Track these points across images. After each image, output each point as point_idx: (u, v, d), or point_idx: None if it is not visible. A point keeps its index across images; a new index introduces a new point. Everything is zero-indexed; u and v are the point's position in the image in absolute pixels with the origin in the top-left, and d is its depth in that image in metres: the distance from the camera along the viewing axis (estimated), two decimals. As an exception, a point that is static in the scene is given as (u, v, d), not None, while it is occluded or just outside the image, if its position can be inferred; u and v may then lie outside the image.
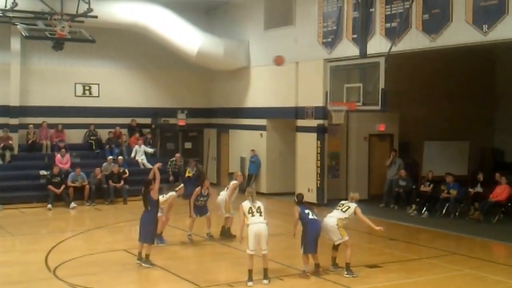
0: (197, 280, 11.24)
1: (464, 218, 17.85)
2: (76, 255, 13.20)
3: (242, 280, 11.19)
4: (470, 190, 18.60)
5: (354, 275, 11.61)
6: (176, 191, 14.27)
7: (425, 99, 22.19)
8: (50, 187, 19.78)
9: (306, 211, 11.71)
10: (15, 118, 22.25)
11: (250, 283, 10.96)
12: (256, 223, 11.05)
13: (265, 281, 11.10)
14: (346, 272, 11.69)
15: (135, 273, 12.07)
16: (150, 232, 12.27)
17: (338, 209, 12.03)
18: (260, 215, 11.16)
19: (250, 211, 11.13)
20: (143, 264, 12.17)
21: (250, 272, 11.04)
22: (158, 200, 12.57)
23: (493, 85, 24.65)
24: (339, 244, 11.94)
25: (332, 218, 11.83)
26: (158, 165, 12.94)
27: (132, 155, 23.11)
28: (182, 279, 11.45)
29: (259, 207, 11.24)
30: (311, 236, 11.56)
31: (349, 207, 11.97)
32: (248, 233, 11.09)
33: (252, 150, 23.11)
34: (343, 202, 12.31)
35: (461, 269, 12.48)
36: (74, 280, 11.13)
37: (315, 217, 11.70)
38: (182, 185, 14.70)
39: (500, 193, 17.59)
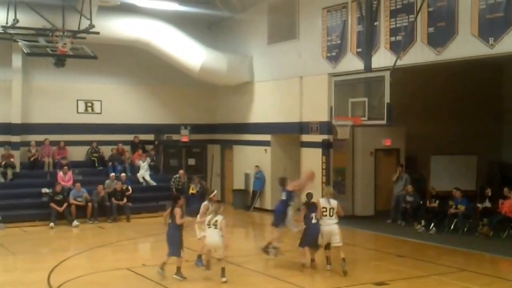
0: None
1: (473, 234, 17.55)
2: (79, 274, 12.95)
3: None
4: (479, 205, 18.35)
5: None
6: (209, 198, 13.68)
7: (432, 113, 22.03)
8: (52, 205, 19.55)
9: (311, 215, 13.05)
10: (16, 136, 22.04)
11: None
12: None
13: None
14: (344, 264, 12.81)
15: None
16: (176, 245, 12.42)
17: (329, 216, 13.04)
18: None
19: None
20: (174, 276, 12.35)
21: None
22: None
23: (500, 98, 24.45)
24: (329, 244, 13.12)
25: (335, 225, 13.05)
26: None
27: (140, 172, 22.90)
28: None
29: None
30: (310, 236, 13.10)
31: (333, 208, 13.09)
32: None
33: (257, 166, 22.91)
34: (324, 205, 13.13)
35: (470, 286, 12.25)
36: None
37: (317, 221, 13.04)
38: (215, 191, 14.17)
39: (509, 208, 17.30)
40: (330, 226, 13.06)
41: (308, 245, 13.29)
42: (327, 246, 13.22)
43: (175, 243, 12.42)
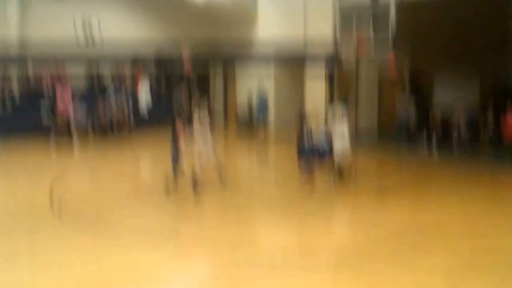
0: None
1: (476, 154, 17.51)
2: (81, 196, 13.08)
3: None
4: (480, 123, 18.27)
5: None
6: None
7: (437, 31, 21.51)
8: (53, 127, 19.48)
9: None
10: (14, 58, 21.62)
11: None
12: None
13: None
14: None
15: (142, 211, 11.77)
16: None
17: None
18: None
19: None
20: None
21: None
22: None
23: (505, 20, 23.78)
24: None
25: (346, 141, 13.41)
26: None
27: (140, 95, 22.71)
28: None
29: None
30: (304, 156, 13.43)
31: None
32: None
33: (259, 91, 22.69)
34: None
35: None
36: (78, 221, 11.01)
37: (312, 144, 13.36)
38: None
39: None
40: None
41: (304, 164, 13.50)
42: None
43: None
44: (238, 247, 9.42)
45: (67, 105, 20.71)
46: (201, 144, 12.82)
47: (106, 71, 23.16)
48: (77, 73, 22.88)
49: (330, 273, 8.40)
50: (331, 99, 19.88)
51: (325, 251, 9.30)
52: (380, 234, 10.02)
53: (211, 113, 21.81)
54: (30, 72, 21.85)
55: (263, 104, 22.53)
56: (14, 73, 21.65)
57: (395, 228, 10.33)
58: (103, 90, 22.69)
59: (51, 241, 9.86)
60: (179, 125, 12.72)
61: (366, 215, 11.37)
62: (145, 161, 18.42)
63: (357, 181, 13.55)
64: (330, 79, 19.84)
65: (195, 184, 12.60)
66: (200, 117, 13.12)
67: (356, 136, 14.18)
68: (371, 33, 16.91)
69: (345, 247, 9.63)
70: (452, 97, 20.68)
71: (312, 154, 13.38)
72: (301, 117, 13.87)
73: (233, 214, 11.44)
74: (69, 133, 19.70)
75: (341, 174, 13.68)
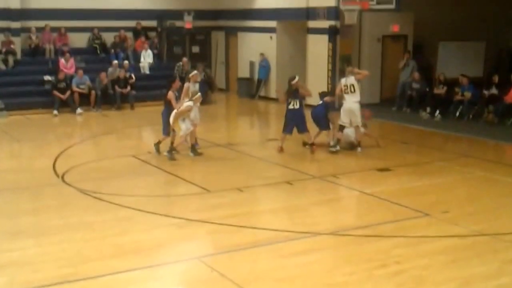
0: (206, 185, 11.05)
1: (478, 121, 17.48)
2: (84, 161, 13.03)
3: (251, 184, 11.13)
4: (485, 92, 18.14)
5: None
6: (193, 100, 13.24)
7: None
8: (55, 92, 19.37)
9: (289, 100, 13.46)
10: (16, 22, 21.46)
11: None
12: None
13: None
14: (359, 149, 13.71)
15: (145, 178, 11.90)
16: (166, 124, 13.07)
17: (350, 93, 13.45)
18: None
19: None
20: (165, 154, 13.05)
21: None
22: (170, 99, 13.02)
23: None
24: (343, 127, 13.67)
25: (356, 103, 13.45)
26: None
27: (141, 60, 22.54)
28: (191, 183, 11.28)
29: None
30: (289, 121, 13.59)
31: (353, 85, 13.42)
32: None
33: (262, 54, 22.51)
34: (344, 83, 13.57)
35: (473, 171, 12.29)
36: (83, 185, 10.97)
37: (299, 107, 13.41)
38: (199, 94, 13.59)
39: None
40: (350, 104, 13.49)
41: (287, 132, 13.68)
42: (341, 128, 13.69)
43: (165, 122, 12.99)
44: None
45: (69, 68, 20.65)
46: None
47: (109, 37, 22.93)
48: (79, 37, 22.77)
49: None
50: (333, 58, 19.69)
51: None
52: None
53: (210, 78, 22.13)
54: (33, 37, 21.66)
55: (265, 64, 22.44)
56: (17, 41, 21.48)
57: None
58: (105, 53, 22.59)
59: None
60: (171, 93, 13.06)
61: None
62: (143, 121, 18.38)
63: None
64: (333, 34, 19.56)
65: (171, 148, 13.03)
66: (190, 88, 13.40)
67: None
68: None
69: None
70: (456, 61, 20.51)
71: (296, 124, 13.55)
72: (291, 85, 13.65)
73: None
74: (71, 95, 19.59)
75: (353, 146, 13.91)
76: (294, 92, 13.51)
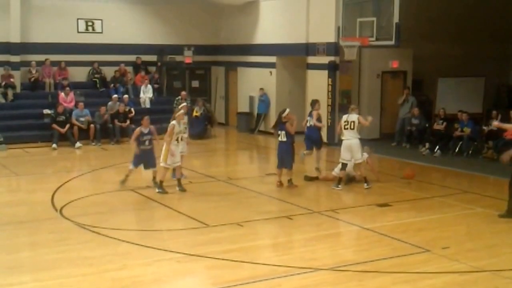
0: (205, 219, 10.99)
1: (478, 157, 17.47)
2: (83, 195, 12.97)
3: (250, 219, 11.09)
4: (484, 128, 18.17)
5: (370, 185, 13.58)
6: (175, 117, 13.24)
7: (440, 34, 21.46)
8: (55, 126, 19.40)
9: (279, 132, 13.51)
10: (16, 56, 21.61)
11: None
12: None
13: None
14: (366, 184, 13.56)
15: (144, 212, 11.88)
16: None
17: (349, 129, 13.53)
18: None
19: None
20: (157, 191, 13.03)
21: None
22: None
23: (510, 20, 23.78)
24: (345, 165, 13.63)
25: (355, 139, 13.48)
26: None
27: (141, 95, 22.63)
28: (190, 218, 11.22)
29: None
30: (278, 155, 13.75)
31: (354, 122, 13.49)
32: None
33: (261, 89, 22.61)
34: (345, 119, 13.68)
35: (473, 207, 12.26)
36: (81, 220, 10.92)
37: (286, 139, 13.43)
38: (181, 111, 13.48)
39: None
40: (350, 141, 13.52)
41: (278, 166, 13.76)
42: (343, 166, 13.65)
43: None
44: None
45: (69, 102, 20.72)
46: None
47: (109, 71, 23.11)
48: (79, 71, 22.92)
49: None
50: (333, 93, 19.81)
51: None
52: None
53: (210, 112, 22.17)
54: (33, 71, 21.80)
55: (264, 99, 22.52)
56: (17, 74, 21.66)
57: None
58: (105, 87, 22.68)
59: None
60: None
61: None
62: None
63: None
64: (333, 70, 19.70)
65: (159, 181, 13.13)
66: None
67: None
68: (375, 21, 16.67)
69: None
70: (455, 97, 20.59)
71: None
72: (280, 118, 13.68)
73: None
74: (71, 128, 19.61)
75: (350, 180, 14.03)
76: (281, 125, 13.56)
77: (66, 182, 14.20)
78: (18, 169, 16.16)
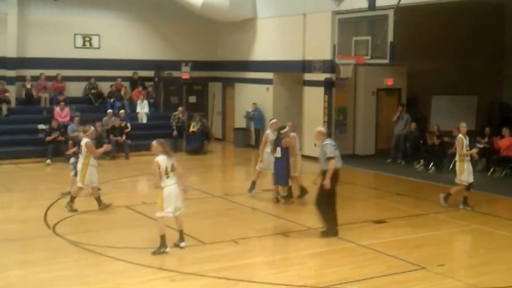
0: (201, 237, 10.95)
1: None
2: (77, 212, 12.88)
3: (247, 236, 11.09)
4: (478, 145, 18.21)
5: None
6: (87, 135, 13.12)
7: (434, 52, 21.65)
8: (49, 138, 19.31)
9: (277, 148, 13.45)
10: (12, 70, 21.63)
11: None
12: None
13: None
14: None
15: (138, 229, 11.81)
16: None
17: None
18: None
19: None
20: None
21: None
22: None
23: (502, 39, 24.01)
24: None
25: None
26: None
27: (138, 110, 22.64)
28: (186, 235, 11.16)
29: None
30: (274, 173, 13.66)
31: None
32: None
33: (254, 104, 22.64)
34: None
35: (467, 224, 12.32)
36: (74, 237, 10.87)
37: (281, 156, 13.35)
38: (92, 128, 13.43)
39: (507, 146, 17.44)
40: None
41: (274, 183, 13.80)
42: None
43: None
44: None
45: (64, 117, 20.68)
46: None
47: (105, 86, 23.14)
48: (75, 86, 22.91)
49: None
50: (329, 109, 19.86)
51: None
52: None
53: (207, 128, 22.15)
54: (28, 86, 21.80)
55: (261, 115, 22.54)
56: (12, 89, 21.68)
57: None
58: (102, 102, 22.67)
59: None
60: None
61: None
62: (137, 171, 18.32)
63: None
64: (329, 87, 19.78)
65: None
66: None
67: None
68: (370, 40, 16.79)
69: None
70: (449, 114, 20.69)
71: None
72: (279, 134, 13.63)
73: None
74: (65, 145, 19.53)
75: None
76: (278, 141, 13.54)
77: (60, 199, 14.08)
78: (11, 185, 16.08)
